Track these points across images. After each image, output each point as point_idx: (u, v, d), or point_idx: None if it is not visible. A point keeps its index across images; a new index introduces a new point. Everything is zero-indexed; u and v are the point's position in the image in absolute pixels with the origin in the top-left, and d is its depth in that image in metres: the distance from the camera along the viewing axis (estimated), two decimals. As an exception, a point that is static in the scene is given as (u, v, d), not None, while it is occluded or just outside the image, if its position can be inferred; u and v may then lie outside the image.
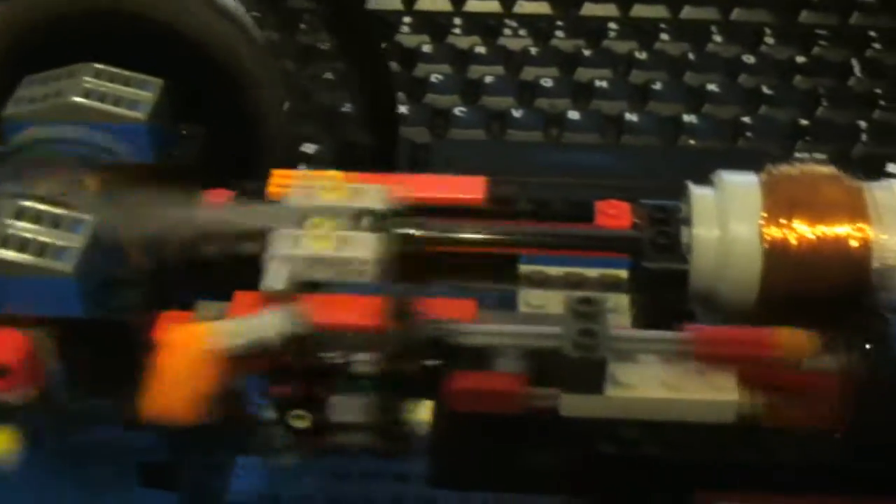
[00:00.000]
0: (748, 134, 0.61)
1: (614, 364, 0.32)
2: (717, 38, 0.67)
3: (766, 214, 0.34)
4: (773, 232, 0.34)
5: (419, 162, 0.59)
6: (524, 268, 0.39)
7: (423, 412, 0.33)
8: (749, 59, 0.65)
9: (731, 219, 0.34)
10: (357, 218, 0.36)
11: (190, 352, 0.31)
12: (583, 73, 0.65)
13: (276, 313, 0.31)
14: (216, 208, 0.36)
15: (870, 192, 0.35)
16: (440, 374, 0.31)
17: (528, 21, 0.67)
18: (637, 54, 0.66)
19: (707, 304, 0.35)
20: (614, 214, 0.39)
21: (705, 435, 0.32)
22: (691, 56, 0.66)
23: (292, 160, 0.56)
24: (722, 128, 0.61)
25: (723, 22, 0.67)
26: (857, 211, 0.34)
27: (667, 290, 0.35)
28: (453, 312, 0.33)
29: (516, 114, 0.62)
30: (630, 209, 0.38)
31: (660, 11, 0.68)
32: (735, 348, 0.32)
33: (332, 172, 0.38)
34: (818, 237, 0.34)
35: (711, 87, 0.64)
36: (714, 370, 0.32)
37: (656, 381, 0.32)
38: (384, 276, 0.35)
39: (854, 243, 0.34)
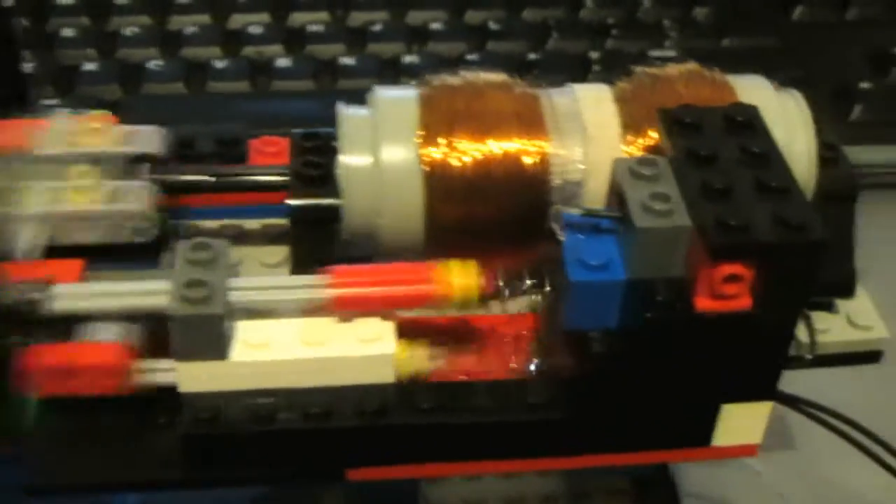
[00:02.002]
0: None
1: (243, 322, 0.26)
2: (444, -26, 0.61)
3: (423, 133, 0.28)
4: (432, 152, 0.28)
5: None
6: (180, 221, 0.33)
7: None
8: (478, -6, 0.61)
9: (384, 141, 0.28)
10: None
11: None
12: (297, 18, 0.59)
13: None
14: None
15: (548, 100, 0.30)
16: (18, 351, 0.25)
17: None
18: (356, -6, 0.60)
19: (371, 243, 0.29)
20: (273, 152, 0.33)
21: (358, 398, 0.26)
22: (415, -6, 0.60)
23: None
24: (445, 65, 0.56)
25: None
26: (531, 122, 0.29)
27: (320, 231, 0.29)
28: (50, 274, 0.27)
29: (219, 64, 0.56)
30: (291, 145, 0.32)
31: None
32: (380, 289, 0.27)
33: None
34: (485, 155, 0.28)
35: (435, 25, 0.59)
36: (367, 319, 0.27)
37: (295, 339, 0.26)
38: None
39: (528, 159, 0.28)
